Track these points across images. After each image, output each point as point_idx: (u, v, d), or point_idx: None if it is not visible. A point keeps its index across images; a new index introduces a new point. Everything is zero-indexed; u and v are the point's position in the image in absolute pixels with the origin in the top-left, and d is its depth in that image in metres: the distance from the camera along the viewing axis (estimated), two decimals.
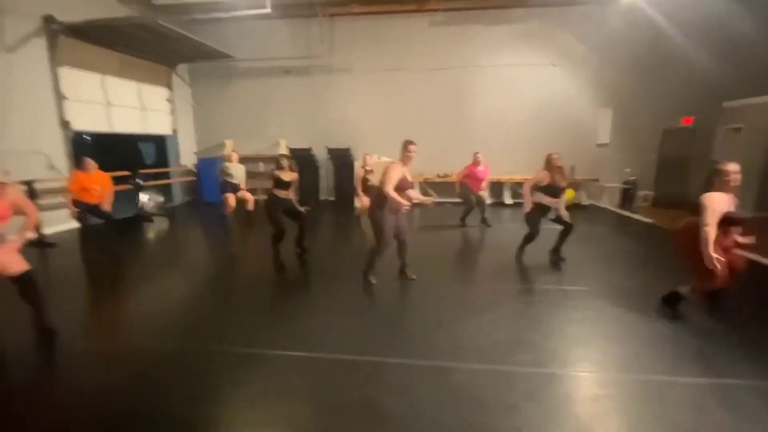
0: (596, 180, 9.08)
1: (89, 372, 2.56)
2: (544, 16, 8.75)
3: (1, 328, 2.91)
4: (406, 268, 4.12)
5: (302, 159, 9.58)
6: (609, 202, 9.09)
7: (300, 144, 9.67)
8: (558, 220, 4.65)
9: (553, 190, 4.52)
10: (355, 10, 8.97)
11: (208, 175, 9.70)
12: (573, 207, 8.70)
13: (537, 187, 4.58)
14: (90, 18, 6.58)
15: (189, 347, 2.82)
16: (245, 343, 2.87)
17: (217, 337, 2.96)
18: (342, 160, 9.48)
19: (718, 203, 2.88)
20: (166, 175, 9.30)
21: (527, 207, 4.63)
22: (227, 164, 6.94)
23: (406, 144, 3.87)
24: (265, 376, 2.48)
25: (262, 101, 9.98)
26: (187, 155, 10.04)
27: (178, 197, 9.83)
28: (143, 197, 7.94)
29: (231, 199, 6.96)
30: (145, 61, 8.46)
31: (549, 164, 4.54)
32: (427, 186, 9.71)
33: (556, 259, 4.79)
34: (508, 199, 9.34)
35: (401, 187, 3.86)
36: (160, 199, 8.51)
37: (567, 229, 4.68)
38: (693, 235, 2.94)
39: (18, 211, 2.86)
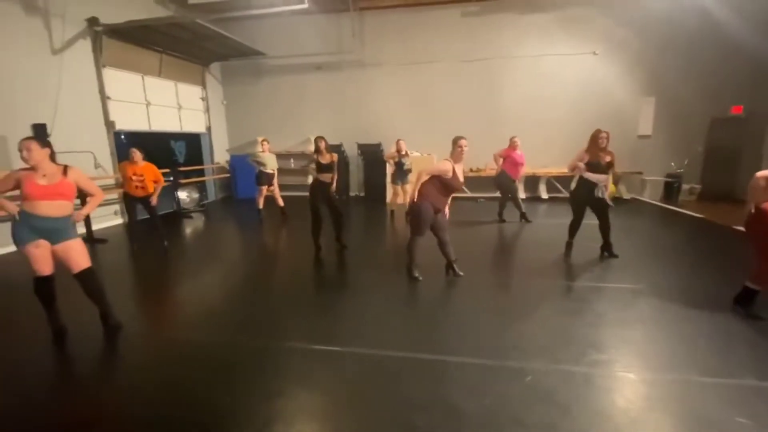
0: (639, 173, 8.70)
1: (151, 364, 2.60)
2: (583, 0, 8.40)
3: (69, 321, 3.00)
4: (454, 264, 4.03)
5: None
6: (651, 196, 8.71)
7: (331, 140, 9.60)
8: (599, 204, 4.44)
9: (595, 167, 4.35)
10: (385, 3, 8.86)
11: (242, 172, 9.85)
12: (614, 201, 8.39)
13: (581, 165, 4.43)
14: (131, 19, 6.74)
15: (247, 341, 2.84)
16: (305, 338, 2.86)
17: (279, 333, 2.97)
18: (373, 155, 9.42)
19: None
20: (201, 173, 9.49)
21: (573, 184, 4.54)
22: (260, 153, 6.94)
23: (456, 139, 3.76)
24: (333, 372, 2.46)
25: (293, 98, 10.02)
26: (219, 153, 10.21)
27: (212, 194, 10.03)
28: (182, 194, 8.13)
29: (265, 191, 7.04)
30: (181, 60, 8.62)
31: (592, 140, 4.39)
32: None
33: (607, 255, 4.61)
34: (544, 194, 9.08)
35: (450, 186, 3.77)
36: (196, 195, 8.68)
37: (603, 220, 4.48)
38: (763, 221, 2.81)
39: (83, 192, 3.04)
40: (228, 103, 10.40)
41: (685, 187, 8.56)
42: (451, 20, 9.01)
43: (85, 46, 6.54)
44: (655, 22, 8.26)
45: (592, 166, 4.39)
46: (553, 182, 9.15)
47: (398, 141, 6.92)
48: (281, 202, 7.23)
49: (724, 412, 2.05)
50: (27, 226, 2.68)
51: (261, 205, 7.24)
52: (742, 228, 5.78)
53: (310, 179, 5.36)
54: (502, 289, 3.85)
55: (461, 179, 3.82)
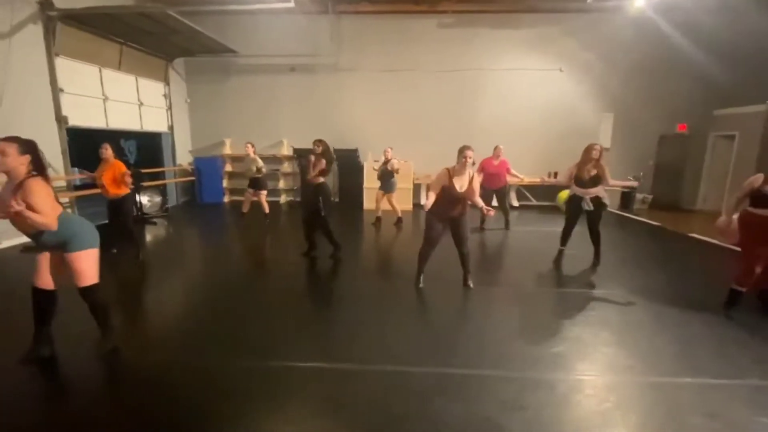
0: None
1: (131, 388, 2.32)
2: (552, 21, 8.90)
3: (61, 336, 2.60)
4: (468, 276, 4.03)
5: (305, 159, 9.35)
6: (610, 205, 9.32)
7: (304, 144, 9.38)
8: (588, 215, 4.69)
9: (581, 181, 4.62)
10: (364, 8, 8.80)
11: (208, 175, 9.30)
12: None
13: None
14: (90, 5, 6.13)
15: (252, 363, 2.62)
16: (316, 356, 2.69)
17: (286, 353, 2.77)
18: (349, 160, 9.28)
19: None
20: (160, 175, 8.80)
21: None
22: (254, 157, 6.59)
23: (462, 149, 3.76)
24: (356, 394, 2.32)
25: (263, 99, 9.62)
26: (181, 154, 9.55)
27: (174, 198, 9.33)
28: (143, 198, 7.47)
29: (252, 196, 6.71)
30: (143, 53, 7.97)
31: (585, 153, 4.64)
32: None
33: (594, 262, 4.85)
34: (514, 202, 9.44)
35: (449, 193, 3.75)
36: (158, 199, 8.03)
37: (592, 230, 4.75)
38: (745, 223, 3.25)
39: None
40: (192, 101, 9.77)
41: (638, 196, 9.29)
42: (427, 30, 9.14)
43: (35, 31, 5.83)
44: (614, 46, 8.93)
45: (579, 181, 4.63)
46: (522, 191, 9.54)
47: (385, 150, 6.89)
48: (267, 208, 6.90)
49: (745, 411, 2.19)
50: None
51: (246, 209, 6.89)
52: (695, 235, 6.41)
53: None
54: (504, 299, 3.89)
55: (463, 187, 3.77)
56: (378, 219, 7.25)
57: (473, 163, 3.73)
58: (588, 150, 4.58)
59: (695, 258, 5.52)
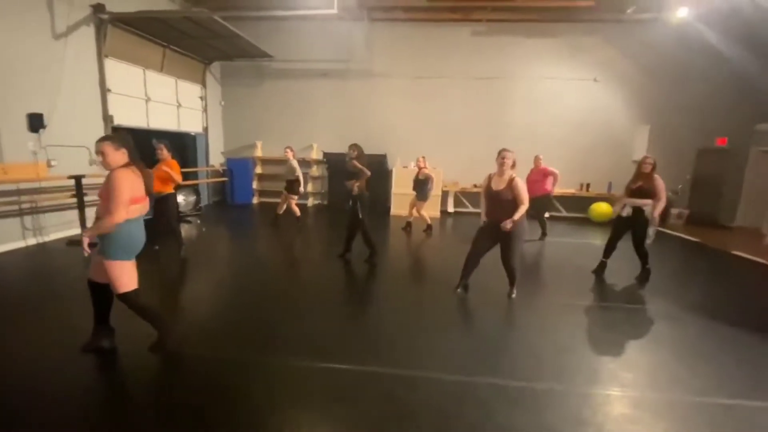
0: None
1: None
2: (588, 31, 8.79)
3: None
4: (511, 287, 3.97)
5: (335, 164, 9.43)
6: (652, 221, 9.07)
7: (333, 149, 9.49)
8: (632, 228, 4.57)
9: (629, 191, 4.51)
10: (399, 16, 8.88)
11: (240, 177, 9.46)
12: (611, 223, 8.69)
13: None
14: (139, 9, 6.36)
15: (292, 362, 2.61)
16: (372, 360, 2.67)
17: (324, 354, 2.76)
18: (377, 166, 9.30)
19: None
20: (194, 175, 8.99)
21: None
22: (293, 163, 6.66)
23: (499, 152, 3.72)
24: (414, 401, 2.28)
25: (295, 103, 9.78)
26: (214, 155, 9.75)
27: (205, 197, 9.52)
28: (179, 197, 7.63)
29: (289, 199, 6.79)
30: (183, 56, 8.21)
31: (638, 166, 4.51)
32: (461, 196, 9.63)
33: (641, 276, 4.70)
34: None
35: (492, 198, 3.73)
36: (192, 198, 8.20)
37: (635, 243, 4.60)
38: None
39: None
40: (225, 104, 10.00)
41: (674, 211, 9.02)
42: (460, 38, 9.15)
43: (87, 33, 6.08)
44: (652, 57, 8.75)
45: (627, 192, 4.52)
46: (553, 201, 9.38)
47: (418, 159, 6.88)
48: (298, 212, 6.94)
49: None
50: None
51: (281, 211, 6.99)
52: (739, 253, 6.17)
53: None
54: (548, 310, 3.80)
55: (498, 188, 3.70)
56: (409, 224, 7.23)
57: (513, 165, 3.69)
58: (639, 163, 4.46)
59: (744, 276, 5.30)
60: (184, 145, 8.94)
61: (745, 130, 8.77)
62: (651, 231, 4.41)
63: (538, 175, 6.57)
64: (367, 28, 9.09)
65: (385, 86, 9.47)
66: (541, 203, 6.73)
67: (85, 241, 2.40)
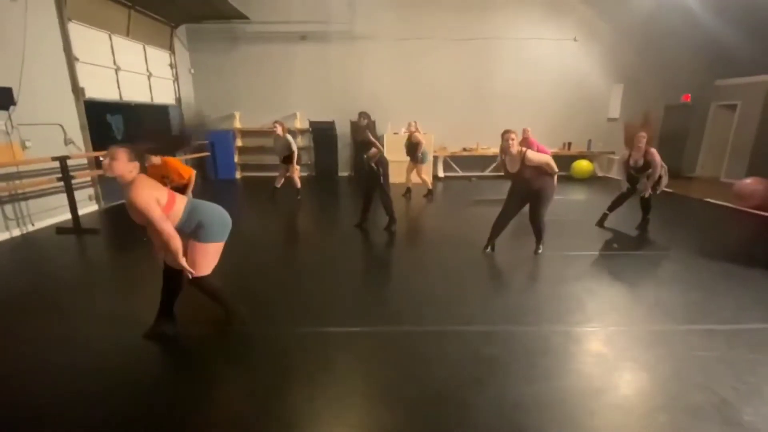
0: (612, 153, 9.58)
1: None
2: None
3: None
4: (538, 243, 4.17)
5: (321, 133, 9.17)
6: (618, 173, 9.69)
7: (321, 117, 9.17)
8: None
9: (630, 167, 4.84)
10: None
11: (222, 150, 8.98)
12: (592, 179, 9.23)
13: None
14: None
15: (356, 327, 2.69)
16: (410, 320, 2.79)
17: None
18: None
19: None
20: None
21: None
22: (288, 137, 6.41)
23: (503, 134, 3.78)
24: (446, 351, 2.44)
25: (272, 69, 9.23)
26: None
27: None
28: None
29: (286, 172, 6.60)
30: (149, 19, 7.41)
31: (630, 142, 4.75)
32: (451, 161, 9.74)
33: (641, 225, 5.13)
34: None
35: (515, 178, 3.93)
36: None
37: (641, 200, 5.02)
38: None
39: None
40: (196, 72, 9.25)
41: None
42: None
43: None
44: (630, 18, 9.01)
45: (630, 167, 4.87)
46: None
47: (408, 123, 6.86)
48: (299, 183, 6.78)
49: None
50: None
51: (279, 184, 6.77)
52: (711, 200, 6.81)
53: None
54: (574, 263, 4.06)
55: (515, 168, 3.85)
56: (408, 190, 7.28)
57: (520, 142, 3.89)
58: (636, 139, 4.61)
59: (711, 217, 5.90)
60: (158, 120, 8.28)
61: (707, 85, 9.43)
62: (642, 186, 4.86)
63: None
64: None
65: (368, 49, 9.13)
66: None
67: (185, 264, 2.28)
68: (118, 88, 6.70)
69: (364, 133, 4.79)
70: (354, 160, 9.44)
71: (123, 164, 2.13)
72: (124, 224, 4.99)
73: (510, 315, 2.90)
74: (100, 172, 6.18)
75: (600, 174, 9.77)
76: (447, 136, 9.44)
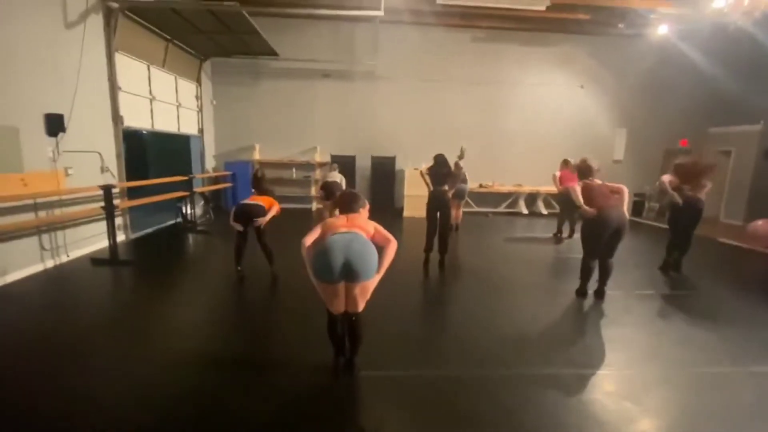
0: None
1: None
2: (576, 41, 9.54)
3: None
4: (602, 288, 4.15)
5: (343, 166, 9.25)
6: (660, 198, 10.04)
7: (341, 152, 9.30)
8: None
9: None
10: (403, 18, 8.92)
11: (242, 181, 8.90)
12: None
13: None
14: None
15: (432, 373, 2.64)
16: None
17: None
18: (385, 167, 9.34)
19: None
20: (199, 181, 8.23)
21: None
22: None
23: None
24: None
25: (295, 104, 9.40)
26: (207, 158, 9.04)
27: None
28: (188, 206, 7.01)
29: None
30: (182, 52, 7.52)
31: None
32: (467, 197, 9.92)
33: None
34: (543, 210, 9.91)
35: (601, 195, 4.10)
36: (203, 205, 7.57)
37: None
38: None
39: None
40: (217, 103, 9.31)
41: (647, 205, 10.18)
42: (461, 43, 9.44)
43: (95, 24, 5.34)
44: (632, 67, 9.75)
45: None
46: (549, 200, 10.06)
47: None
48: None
49: None
50: None
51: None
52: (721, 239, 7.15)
53: None
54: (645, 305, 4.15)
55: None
56: (456, 227, 7.33)
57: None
58: (706, 178, 4.89)
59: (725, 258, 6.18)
60: (179, 150, 8.21)
61: (701, 132, 10.16)
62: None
63: (568, 173, 7.01)
64: (371, 29, 9.00)
65: (389, 89, 9.46)
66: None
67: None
68: (151, 117, 6.66)
69: (453, 167, 5.10)
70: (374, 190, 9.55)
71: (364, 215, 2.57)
72: (153, 255, 4.93)
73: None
74: (132, 203, 6.01)
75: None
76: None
